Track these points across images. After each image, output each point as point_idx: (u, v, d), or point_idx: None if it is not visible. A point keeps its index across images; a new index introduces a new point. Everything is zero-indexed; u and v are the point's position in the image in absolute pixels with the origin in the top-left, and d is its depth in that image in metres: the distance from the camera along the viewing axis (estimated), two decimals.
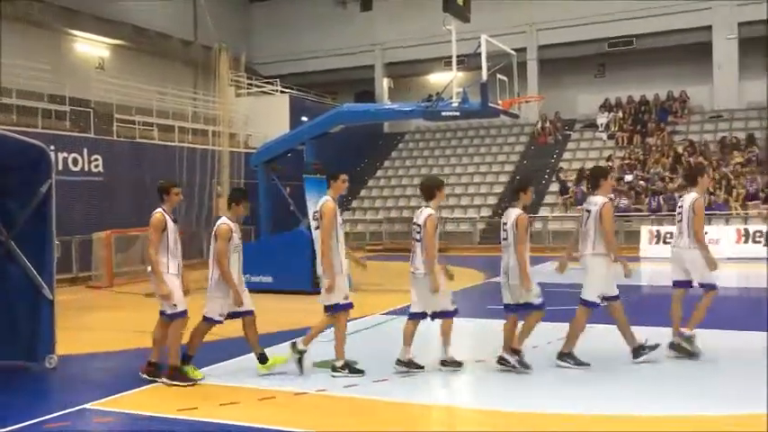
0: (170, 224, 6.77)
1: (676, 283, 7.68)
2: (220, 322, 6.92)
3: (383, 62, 32.74)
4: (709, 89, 27.36)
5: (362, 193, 29.28)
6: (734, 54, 26.60)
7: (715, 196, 21.56)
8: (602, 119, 28.15)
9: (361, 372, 6.84)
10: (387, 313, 10.67)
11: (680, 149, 24.86)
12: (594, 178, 7.44)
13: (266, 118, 24.95)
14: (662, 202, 22.10)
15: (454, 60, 13.36)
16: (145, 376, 6.77)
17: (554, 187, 25.67)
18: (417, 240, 6.98)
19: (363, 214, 27.71)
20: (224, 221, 6.79)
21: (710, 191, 21.80)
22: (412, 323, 7.05)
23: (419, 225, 6.97)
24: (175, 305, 6.70)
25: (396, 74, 33.37)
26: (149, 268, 6.78)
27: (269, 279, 13.00)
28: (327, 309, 6.87)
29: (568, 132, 29.14)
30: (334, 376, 6.80)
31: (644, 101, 28.07)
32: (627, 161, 25.18)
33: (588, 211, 7.19)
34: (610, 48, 28.83)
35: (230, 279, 6.71)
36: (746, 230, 19.41)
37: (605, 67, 30.17)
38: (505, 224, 7.08)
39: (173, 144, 21.23)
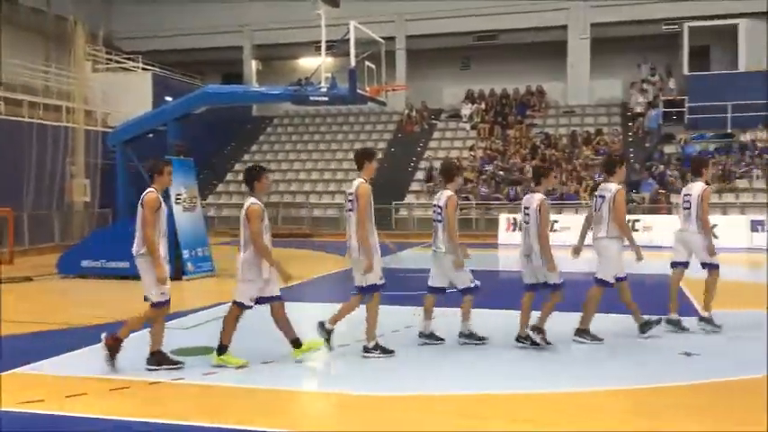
0: (163, 205, 6.49)
1: (676, 264, 8.24)
2: (251, 308, 6.63)
3: (252, 44, 32.10)
4: (563, 86, 29.04)
5: (229, 176, 28.66)
6: (586, 53, 28.36)
7: (567, 187, 22.96)
8: (466, 110, 29.16)
9: (391, 352, 6.94)
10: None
11: (537, 142, 26.24)
12: (610, 166, 7.87)
13: (126, 96, 23.76)
14: (519, 191, 23.21)
15: (323, 45, 13.35)
16: (153, 368, 6.41)
17: (420, 175, 26.29)
18: (438, 221, 7.31)
19: (229, 198, 27.14)
20: (254, 202, 6.51)
21: (563, 182, 23.21)
22: (432, 297, 7.43)
23: (440, 206, 7.28)
24: (163, 293, 6.42)
25: (265, 56, 32.88)
26: (140, 250, 6.38)
27: (125, 265, 12.43)
28: (364, 290, 6.90)
29: (434, 122, 29.94)
30: (365, 356, 6.87)
31: (505, 94, 29.34)
32: (488, 152, 26.25)
33: (602, 197, 7.59)
34: (475, 41, 29.87)
35: (270, 257, 6.47)
36: None
37: (470, 60, 31.24)
38: (527, 208, 7.33)
39: (21, 119, 19.75)
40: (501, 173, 24.69)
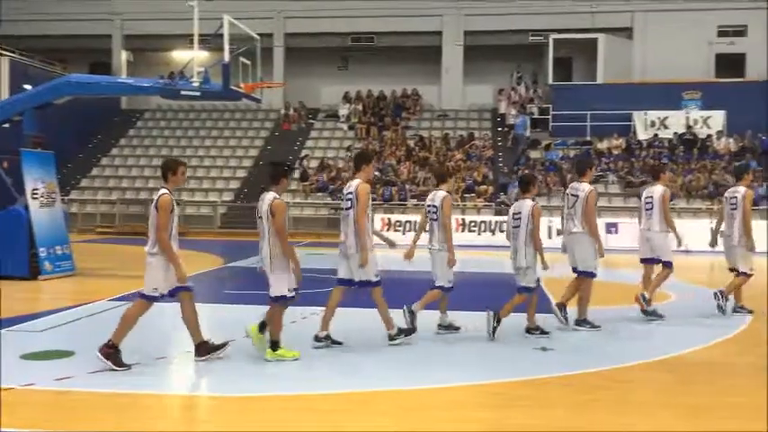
0: (175, 206, 6.50)
1: (645, 260, 9.23)
2: (293, 298, 6.70)
3: (122, 33, 30.74)
4: (438, 90, 29.84)
5: (94, 171, 27.31)
6: (460, 59, 29.30)
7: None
8: (343, 110, 29.32)
9: (413, 330, 7.51)
10: (115, 299, 10.07)
11: (411, 144, 26.81)
12: (581, 168, 8.65)
13: None
14: (394, 192, 23.63)
15: (196, 39, 13.01)
16: (199, 359, 6.58)
17: (296, 174, 26.14)
18: (434, 220, 7.78)
19: (94, 194, 25.85)
20: (277, 197, 6.66)
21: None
22: (437, 292, 7.90)
23: (435, 206, 7.75)
24: (156, 289, 6.40)
25: (136, 47, 31.56)
26: (152, 249, 6.37)
27: None
28: (362, 284, 7.22)
29: (312, 121, 29.90)
30: (392, 344, 7.30)
31: (382, 96, 29.76)
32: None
33: (575, 196, 8.32)
34: (353, 42, 30.11)
35: (293, 254, 6.65)
36: (464, 220, 21.54)
37: (349, 60, 31.44)
38: (517, 213, 7.79)
39: None
40: (377, 173, 24.99)
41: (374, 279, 7.23)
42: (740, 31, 27.69)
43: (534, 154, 25.74)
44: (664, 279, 9.22)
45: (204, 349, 6.65)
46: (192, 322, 6.63)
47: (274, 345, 6.69)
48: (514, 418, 5.31)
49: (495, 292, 11.62)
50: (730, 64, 27.32)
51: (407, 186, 23.91)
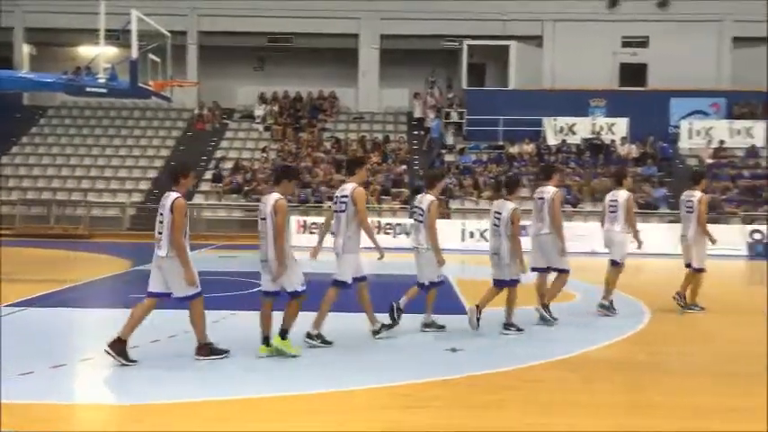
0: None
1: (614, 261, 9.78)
2: (305, 291, 7.01)
3: (24, 26, 29.31)
4: (354, 92, 29.91)
5: None
6: (376, 63, 29.47)
7: None
8: (259, 111, 28.95)
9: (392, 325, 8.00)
10: (12, 305, 9.57)
11: (328, 146, 26.77)
12: (548, 172, 9.44)
13: None
14: (309, 194, 23.52)
15: (102, 33, 12.59)
16: (202, 359, 6.81)
17: (209, 175, 25.62)
18: (420, 222, 8.23)
19: None
20: (280, 197, 6.92)
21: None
22: (417, 289, 8.34)
23: (422, 209, 8.19)
24: (197, 287, 6.77)
25: (39, 41, 30.10)
26: (168, 253, 6.65)
27: None
28: (347, 284, 7.63)
29: (226, 121, 29.38)
30: (378, 338, 7.85)
31: (298, 97, 29.56)
32: (281, 153, 26.28)
33: (542, 199, 9.06)
34: (269, 42, 29.79)
35: (287, 252, 6.92)
36: (380, 222, 21.64)
37: (264, 60, 31.07)
38: (499, 214, 8.32)
39: None
40: None
41: (359, 276, 7.77)
42: (642, 42, 29.03)
43: (449, 157, 26.16)
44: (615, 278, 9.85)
45: (206, 351, 6.88)
46: (198, 325, 6.88)
47: (283, 333, 6.97)
48: (419, 419, 5.37)
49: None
50: (633, 73, 28.60)
51: (323, 188, 23.84)
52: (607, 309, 9.67)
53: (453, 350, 7.48)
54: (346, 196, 7.56)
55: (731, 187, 23.27)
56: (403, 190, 23.96)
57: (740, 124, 26.42)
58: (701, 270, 10.09)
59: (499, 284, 8.40)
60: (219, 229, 22.70)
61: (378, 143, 26.93)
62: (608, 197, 10.07)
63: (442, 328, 8.41)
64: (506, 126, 26.67)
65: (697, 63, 27.96)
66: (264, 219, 6.91)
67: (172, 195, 6.74)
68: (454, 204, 23.39)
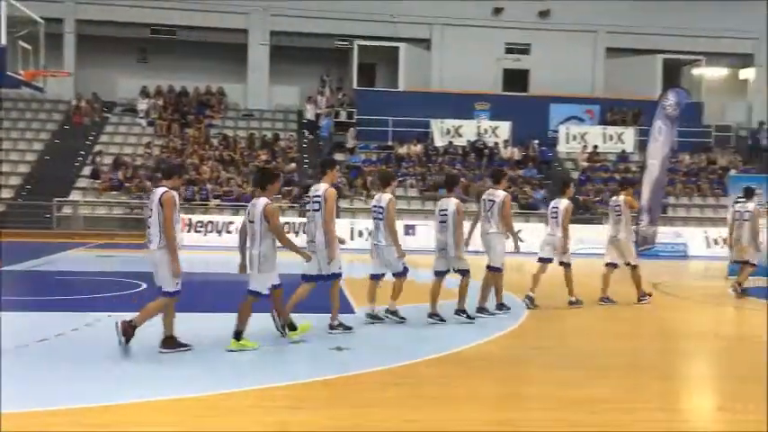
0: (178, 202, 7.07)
1: (542, 259, 10.55)
2: (267, 296, 7.45)
3: None
4: (243, 88, 29.38)
5: None
6: (266, 59, 29.08)
7: (243, 188, 23.25)
8: (142, 105, 27.88)
9: (350, 328, 8.33)
10: None
11: (215, 143, 26.17)
12: (497, 176, 10.14)
13: None
14: (196, 191, 22.90)
15: None
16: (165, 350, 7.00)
17: (88, 171, 24.43)
18: (379, 219, 8.74)
19: None
20: (269, 202, 7.33)
21: (239, 184, 23.45)
22: (374, 283, 8.96)
23: (381, 207, 8.71)
24: (178, 283, 7.02)
25: None
26: (159, 245, 6.91)
27: None
28: (328, 277, 8.10)
29: (107, 115, 28.10)
30: (331, 333, 8.13)
31: (184, 92, 28.71)
32: (165, 150, 25.43)
33: (492, 201, 9.72)
34: (152, 34, 28.75)
35: (295, 246, 7.68)
36: None
37: (148, 52, 29.95)
38: (444, 210, 8.99)
39: None
40: None
41: (338, 271, 8.20)
42: (525, 50, 30.25)
43: (339, 157, 26.20)
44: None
45: (171, 343, 7.10)
46: (168, 317, 7.11)
47: (238, 335, 7.27)
48: (304, 419, 5.34)
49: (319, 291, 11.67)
50: (516, 79, 29.77)
51: (210, 186, 23.29)
52: (575, 303, 10.46)
53: (339, 349, 7.50)
54: (319, 196, 8.04)
55: (603, 190, 24.63)
56: (293, 188, 23.77)
57: (612, 130, 28.06)
58: (637, 266, 11.23)
59: (442, 275, 9.19)
60: (98, 228, 21.70)
61: (267, 141, 26.59)
62: (551, 204, 10.83)
63: (403, 320, 8.98)
64: (395, 127, 27.05)
65: (574, 71, 29.47)
66: (252, 222, 7.32)
67: (159, 191, 7.02)
68: (343, 203, 23.45)
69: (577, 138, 27.93)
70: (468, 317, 9.19)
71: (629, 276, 11.30)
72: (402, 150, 26.46)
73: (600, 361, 7.58)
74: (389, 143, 26.96)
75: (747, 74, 31.14)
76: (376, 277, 8.97)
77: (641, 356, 8.15)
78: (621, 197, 11.20)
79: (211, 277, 14.05)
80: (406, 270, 8.89)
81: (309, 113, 28.13)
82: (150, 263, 7.10)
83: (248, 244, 7.40)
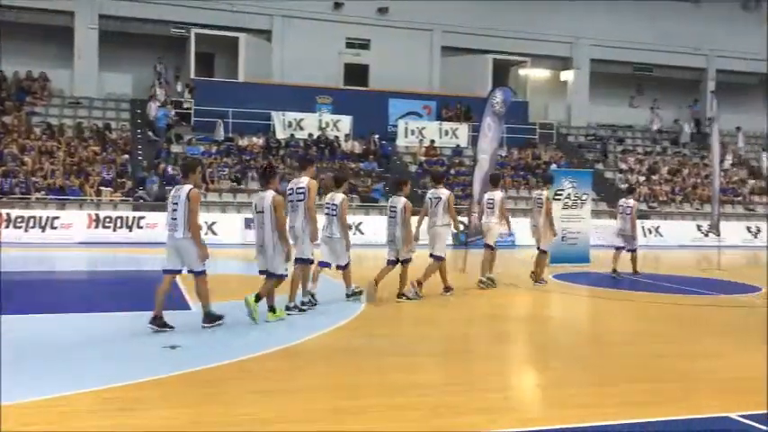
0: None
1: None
2: (286, 276, 8.85)
3: None
4: (70, 74, 27.48)
5: None
6: (95, 44, 27.35)
7: (70, 181, 21.83)
8: None
9: (304, 310, 9.44)
10: None
11: (38, 132, 24.32)
12: (437, 177, 12.09)
13: None
14: (15, 183, 21.20)
15: None
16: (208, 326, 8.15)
17: None
18: (333, 215, 9.94)
19: None
20: (277, 195, 8.54)
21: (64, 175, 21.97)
22: (320, 269, 10.08)
23: (335, 205, 9.90)
24: (204, 264, 8.07)
25: None
26: (186, 234, 7.88)
27: None
28: (304, 261, 9.39)
29: None
30: (289, 314, 9.17)
31: (2, 77, 26.36)
32: None
33: (438, 198, 11.01)
34: None
35: (287, 240, 8.85)
36: (98, 216, 20.26)
37: None
38: (394, 207, 10.51)
39: None
40: None
41: (311, 257, 9.41)
42: (365, 45, 30.76)
43: (176, 148, 25.30)
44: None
45: (209, 318, 8.25)
46: (203, 296, 8.23)
47: (272, 309, 8.79)
48: (136, 421, 5.15)
49: (136, 288, 11.26)
50: (357, 73, 30.20)
51: (33, 179, 21.62)
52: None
53: (173, 347, 7.30)
54: (302, 187, 9.20)
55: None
56: (126, 181, 22.63)
57: (448, 126, 29.30)
58: (545, 251, 13.21)
59: (401, 263, 10.55)
60: None
61: (98, 131, 25.10)
62: (486, 195, 12.59)
63: (360, 293, 10.39)
64: (236, 119, 26.55)
65: (412, 68, 30.42)
66: (261, 212, 8.49)
67: (186, 187, 7.97)
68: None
69: (415, 132, 28.88)
70: (416, 294, 10.69)
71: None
72: (243, 142, 26.01)
73: (432, 348, 7.94)
74: (230, 135, 26.39)
75: (567, 76, 33.71)
76: (322, 265, 10.09)
77: (471, 341, 8.64)
78: (545, 192, 13.27)
79: (39, 276, 13.14)
80: (348, 263, 10.18)
81: (152, 111, 26.47)
82: (173, 248, 7.99)
83: (258, 232, 8.58)
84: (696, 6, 34.00)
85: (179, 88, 27.81)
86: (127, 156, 24.20)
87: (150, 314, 8.01)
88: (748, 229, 25.28)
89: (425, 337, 8.61)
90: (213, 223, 20.35)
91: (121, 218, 20.32)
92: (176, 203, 7.92)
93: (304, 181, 9.27)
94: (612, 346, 8.35)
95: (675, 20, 33.39)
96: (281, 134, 27.12)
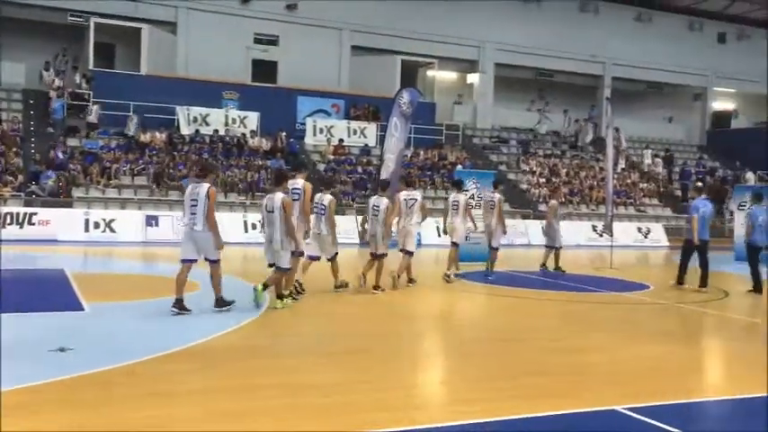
0: None
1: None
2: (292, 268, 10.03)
3: None
4: None
5: None
6: None
7: None
8: None
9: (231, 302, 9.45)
10: None
11: None
12: (409, 181, 14.09)
13: None
14: None
15: None
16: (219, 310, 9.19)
17: None
18: (321, 214, 10.89)
19: None
20: (286, 196, 9.75)
21: None
22: (309, 262, 11.04)
23: (324, 205, 10.85)
24: (219, 254, 9.15)
25: None
26: (205, 228, 8.91)
27: None
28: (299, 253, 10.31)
29: None
30: (283, 306, 9.78)
31: None
32: None
33: (414, 200, 12.14)
34: None
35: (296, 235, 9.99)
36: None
37: None
38: (377, 207, 11.59)
39: None
40: None
41: (297, 251, 10.13)
42: (273, 41, 30.39)
43: (73, 142, 24.22)
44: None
45: (221, 303, 9.27)
46: (216, 283, 9.24)
47: (280, 296, 9.84)
48: (24, 426, 4.90)
49: (25, 288, 10.82)
50: (265, 70, 29.81)
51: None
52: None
53: (62, 350, 6.98)
54: (298, 189, 10.24)
55: (347, 182, 25.72)
56: (15, 176, 21.45)
57: (356, 125, 29.37)
58: (498, 248, 14.23)
59: (377, 257, 11.57)
60: None
61: None
62: (451, 197, 13.82)
63: (346, 286, 11.42)
64: (138, 112, 25.65)
65: (321, 66, 30.32)
66: (272, 211, 9.45)
67: (205, 185, 8.93)
68: (78, 193, 21.76)
69: (324, 131, 28.80)
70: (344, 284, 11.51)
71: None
72: (145, 137, 25.16)
73: (334, 347, 7.95)
74: (131, 130, 25.44)
75: (473, 78, 34.48)
76: (312, 258, 11.02)
77: (374, 339, 8.70)
78: (497, 194, 14.19)
79: None
80: (336, 254, 11.15)
81: (54, 101, 25.12)
82: (191, 240, 8.96)
83: (269, 230, 9.50)
84: (595, 16, 35.51)
85: (77, 79, 26.57)
86: (19, 149, 22.95)
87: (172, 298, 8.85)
88: (639, 229, 26.61)
89: (329, 336, 8.61)
90: (112, 221, 19.59)
91: (11, 214, 19.21)
92: (195, 200, 8.89)
93: (300, 183, 10.36)
94: (508, 343, 8.61)
95: (576, 28, 34.79)
96: (185, 130, 26.41)
